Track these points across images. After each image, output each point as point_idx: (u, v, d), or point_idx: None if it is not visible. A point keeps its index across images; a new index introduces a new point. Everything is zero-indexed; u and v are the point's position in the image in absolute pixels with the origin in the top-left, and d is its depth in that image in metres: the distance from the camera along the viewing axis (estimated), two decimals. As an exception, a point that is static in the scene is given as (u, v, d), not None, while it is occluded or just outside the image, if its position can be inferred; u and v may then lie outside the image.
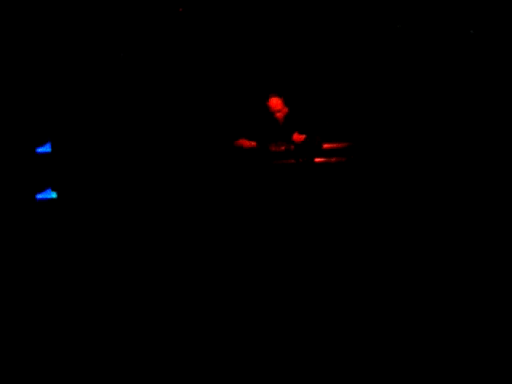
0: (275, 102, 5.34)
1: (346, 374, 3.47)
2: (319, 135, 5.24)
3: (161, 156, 5.45)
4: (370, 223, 4.95)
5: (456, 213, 5.02)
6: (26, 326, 4.12)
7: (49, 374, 3.60)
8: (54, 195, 5.46)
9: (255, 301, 4.29)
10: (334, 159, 5.16)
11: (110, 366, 3.65)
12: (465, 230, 4.88)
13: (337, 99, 5.76)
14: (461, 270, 4.51)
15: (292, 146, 5.21)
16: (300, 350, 3.70)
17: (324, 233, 4.90)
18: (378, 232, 4.90)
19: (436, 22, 5.57)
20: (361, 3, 5.73)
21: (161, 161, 5.42)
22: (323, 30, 5.80)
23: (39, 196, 5.43)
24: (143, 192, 5.34)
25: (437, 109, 5.49)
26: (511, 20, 5.48)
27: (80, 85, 5.61)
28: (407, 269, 4.56)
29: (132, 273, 4.77)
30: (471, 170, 5.25)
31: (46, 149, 5.51)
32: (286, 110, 5.36)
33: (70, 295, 4.59)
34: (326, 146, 5.22)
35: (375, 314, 4.06)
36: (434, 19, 5.58)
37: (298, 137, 5.22)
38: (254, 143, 5.28)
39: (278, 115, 5.33)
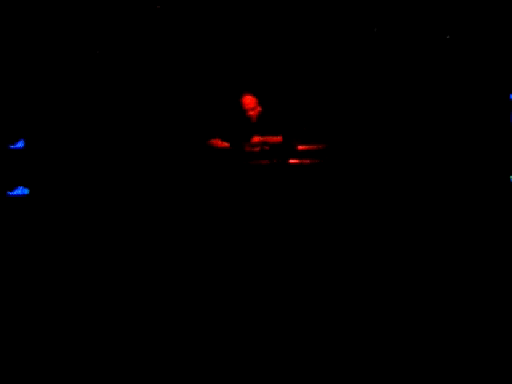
0: (248, 100, 5.34)
1: (345, 374, 3.47)
2: (294, 136, 5.24)
3: (132, 154, 5.43)
4: (344, 224, 4.97)
5: (433, 212, 5.06)
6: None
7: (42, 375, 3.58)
8: (26, 191, 5.42)
9: (237, 303, 4.29)
10: (308, 161, 5.15)
11: (107, 366, 3.63)
12: (441, 228, 4.93)
13: (312, 101, 5.76)
14: (444, 267, 4.55)
15: (266, 147, 5.20)
16: (298, 350, 3.70)
17: (297, 233, 4.91)
18: (352, 233, 4.92)
19: (412, 26, 5.60)
20: (334, 5, 5.73)
21: (132, 159, 5.40)
22: (297, 30, 5.78)
23: (11, 192, 5.39)
24: (116, 189, 5.32)
25: (412, 110, 5.51)
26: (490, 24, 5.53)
27: (53, 80, 5.58)
28: (384, 268, 4.59)
29: (105, 272, 4.76)
30: (448, 169, 5.30)
31: (18, 145, 5.46)
32: (259, 109, 5.35)
33: (42, 294, 4.57)
34: (300, 147, 5.22)
35: (367, 315, 4.08)
36: (409, 23, 5.60)
37: (255, 139, 5.22)
38: (227, 144, 5.27)
39: (251, 113, 5.32)
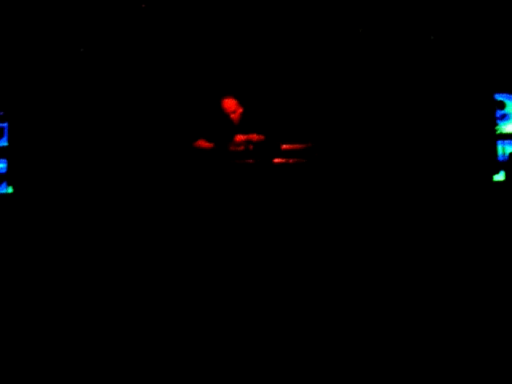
0: (229, 104, 5.29)
1: (345, 374, 3.47)
2: (278, 136, 5.24)
3: (118, 154, 5.42)
4: (328, 224, 4.97)
5: (418, 209, 5.09)
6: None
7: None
8: (9, 190, 5.40)
9: (224, 302, 4.29)
10: (292, 160, 5.15)
11: (106, 366, 3.61)
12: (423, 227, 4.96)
13: (296, 100, 5.75)
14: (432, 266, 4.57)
15: (251, 146, 5.19)
16: (296, 350, 3.69)
17: (283, 232, 4.91)
18: (338, 231, 4.93)
19: (396, 27, 5.61)
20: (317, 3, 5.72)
21: (118, 159, 5.39)
22: (280, 29, 5.76)
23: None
24: (102, 188, 5.31)
25: (396, 108, 5.52)
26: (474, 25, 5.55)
27: (38, 78, 5.55)
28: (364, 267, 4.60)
29: (86, 271, 4.74)
30: (433, 167, 5.32)
31: (1, 142, 5.44)
32: (240, 110, 5.31)
33: (28, 293, 4.55)
34: (284, 146, 5.21)
35: (359, 313, 4.08)
36: (394, 24, 5.61)
37: (239, 137, 5.20)
38: (211, 144, 5.24)
39: (233, 116, 5.28)
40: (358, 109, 5.53)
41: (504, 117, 5.56)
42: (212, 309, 4.26)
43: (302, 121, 5.60)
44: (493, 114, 5.57)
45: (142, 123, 5.63)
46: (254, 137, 5.22)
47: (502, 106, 5.58)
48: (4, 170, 5.42)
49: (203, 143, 5.23)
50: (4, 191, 5.39)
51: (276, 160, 5.16)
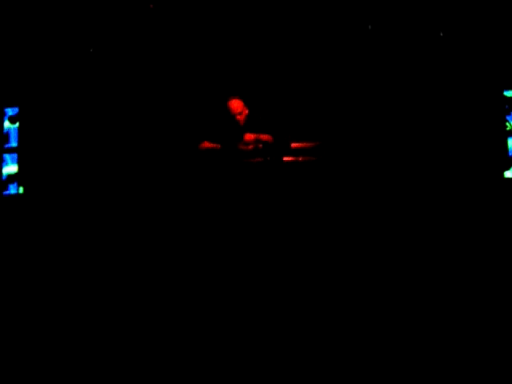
0: (235, 105, 5.24)
1: (345, 374, 3.47)
2: (287, 134, 5.23)
3: (126, 155, 5.43)
4: (339, 222, 4.97)
5: (428, 207, 5.07)
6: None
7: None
8: (20, 190, 5.42)
9: (231, 300, 4.29)
10: (301, 158, 5.15)
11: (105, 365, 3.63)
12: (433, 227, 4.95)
13: (304, 98, 5.74)
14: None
15: (260, 145, 5.19)
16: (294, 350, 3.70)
17: (293, 230, 4.91)
18: (348, 230, 4.93)
19: (405, 24, 5.59)
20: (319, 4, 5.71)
21: (126, 161, 5.40)
22: (287, 28, 5.74)
23: (5, 191, 5.40)
24: (110, 189, 5.32)
25: (405, 106, 5.50)
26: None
27: (49, 79, 5.57)
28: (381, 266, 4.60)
29: (99, 271, 4.76)
30: (442, 165, 5.30)
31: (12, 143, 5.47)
32: (246, 111, 5.26)
33: (36, 293, 4.57)
34: (294, 145, 5.21)
35: (361, 313, 4.08)
36: (402, 20, 5.59)
37: (249, 136, 5.18)
38: (217, 145, 5.22)
39: (239, 118, 5.23)
40: (368, 106, 5.51)
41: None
42: (218, 304, 4.27)
43: (311, 119, 5.59)
44: (503, 110, 5.54)
45: (151, 124, 5.63)
46: (264, 136, 5.22)
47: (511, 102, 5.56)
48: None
49: (208, 144, 5.21)
50: (15, 192, 5.41)
51: (286, 158, 5.16)
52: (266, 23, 5.71)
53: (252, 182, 5.06)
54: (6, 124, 5.53)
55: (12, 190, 5.41)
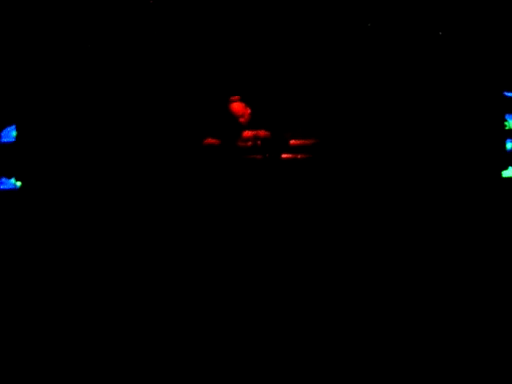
0: (237, 107, 5.25)
1: (345, 374, 3.46)
2: (286, 132, 5.24)
3: (125, 150, 5.41)
4: (337, 219, 4.97)
5: (427, 206, 5.08)
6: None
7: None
8: (17, 185, 5.40)
9: (231, 299, 4.29)
10: (300, 156, 5.15)
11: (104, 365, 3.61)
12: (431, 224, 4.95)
13: (305, 96, 5.73)
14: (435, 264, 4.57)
15: (259, 142, 5.20)
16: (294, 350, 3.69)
17: (291, 228, 4.91)
18: (346, 228, 4.93)
19: (404, 22, 5.59)
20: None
21: (126, 156, 5.38)
22: (284, 24, 5.73)
23: (1, 186, 5.37)
24: (109, 184, 5.31)
25: (404, 104, 5.50)
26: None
27: (45, 74, 5.55)
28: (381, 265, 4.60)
29: (97, 269, 4.75)
30: (440, 164, 5.30)
31: (9, 138, 5.45)
32: (248, 111, 5.28)
33: (32, 291, 4.55)
34: (292, 142, 5.22)
35: (361, 311, 4.08)
36: (402, 18, 5.60)
37: (247, 133, 5.20)
38: (217, 141, 5.23)
39: (241, 120, 5.25)
40: (366, 104, 5.51)
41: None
42: (216, 299, 4.26)
43: (309, 116, 5.59)
44: (502, 109, 5.55)
45: (148, 121, 5.62)
46: (262, 132, 5.22)
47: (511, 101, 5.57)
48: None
49: (209, 140, 5.22)
50: (12, 186, 5.38)
51: (284, 155, 5.16)
52: (266, 21, 5.71)
53: (250, 179, 5.06)
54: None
55: (8, 184, 5.39)
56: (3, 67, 5.54)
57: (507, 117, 5.50)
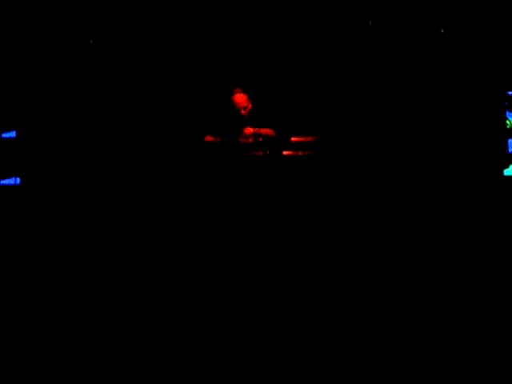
0: (240, 99, 5.26)
1: (345, 374, 3.44)
2: (287, 129, 5.23)
3: (126, 147, 5.41)
4: (336, 215, 4.96)
5: (428, 203, 5.07)
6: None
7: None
8: (17, 181, 5.39)
9: (232, 296, 4.27)
10: (301, 152, 5.14)
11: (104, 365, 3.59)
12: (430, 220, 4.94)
13: (304, 93, 5.74)
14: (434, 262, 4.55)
15: (260, 139, 5.20)
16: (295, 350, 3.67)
17: (290, 223, 4.90)
18: (344, 224, 4.91)
19: (405, 20, 5.59)
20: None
21: (126, 152, 5.38)
22: (286, 22, 5.74)
23: (2, 182, 5.37)
24: (110, 181, 5.30)
25: (405, 102, 5.50)
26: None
27: (46, 71, 5.55)
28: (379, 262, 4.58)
29: (97, 265, 4.73)
30: (441, 161, 5.29)
31: (10, 134, 5.45)
32: (250, 106, 5.28)
33: (32, 286, 4.53)
34: (293, 139, 5.21)
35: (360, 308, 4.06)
36: (403, 16, 5.60)
37: (248, 130, 5.21)
38: (218, 138, 5.24)
39: (243, 112, 5.27)
40: (368, 102, 5.51)
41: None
42: (217, 295, 4.24)
43: (311, 113, 5.59)
44: (503, 108, 5.54)
45: (150, 118, 5.62)
46: (264, 129, 5.23)
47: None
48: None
49: (210, 138, 5.23)
50: (12, 183, 5.38)
51: (285, 152, 5.15)
52: (269, 19, 5.72)
53: (251, 176, 5.05)
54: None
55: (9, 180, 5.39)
56: (5, 66, 5.55)
57: (509, 116, 5.50)
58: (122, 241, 4.89)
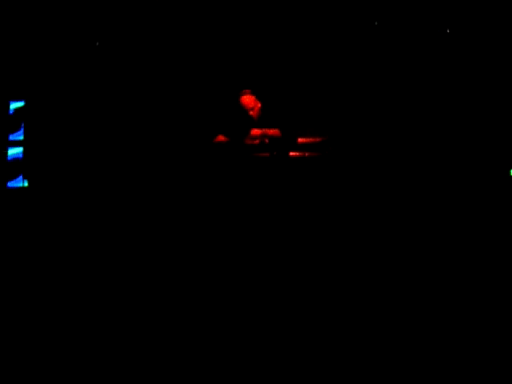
0: (247, 100, 5.29)
1: (345, 374, 3.45)
2: (294, 130, 5.24)
3: (133, 148, 5.42)
4: (344, 217, 4.96)
5: (434, 204, 5.07)
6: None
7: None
8: (25, 183, 5.40)
9: (236, 296, 4.28)
10: (308, 153, 5.15)
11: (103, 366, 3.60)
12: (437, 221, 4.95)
13: (312, 93, 5.74)
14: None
15: (266, 140, 5.20)
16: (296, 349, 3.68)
17: (296, 224, 4.91)
18: (353, 225, 4.92)
19: (411, 20, 5.59)
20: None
21: (134, 154, 5.39)
22: (293, 23, 5.74)
23: (10, 184, 5.38)
24: (117, 182, 5.31)
25: (412, 102, 5.50)
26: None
27: (52, 72, 5.56)
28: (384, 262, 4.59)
29: (103, 265, 4.75)
30: (448, 162, 5.30)
31: (18, 136, 5.45)
32: (259, 105, 5.32)
33: (38, 287, 4.55)
34: (300, 140, 5.22)
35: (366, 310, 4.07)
36: (409, 16, 5.60)
37: (255, 131, 5.22)
38: (226, 139, 5.25)
39: (252, 113, 5.28)
40: (375, 102, 5.51)
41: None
42: (221, 292, 4.26)
43: (317, 114, 5.59)
44: (510, 108, 5.54)
45: (158, 119, 5.63)
46: (270, 130, 5.23)
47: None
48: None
49: (222, 138, 5.25)
50: (20, 185, 5.39)
51: (292, 153, 5.16)
52: (277, 20, 5.72)
53: (258, 177, 5.06)
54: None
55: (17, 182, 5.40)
56: (11, 67, 5.56)
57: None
58: (131, 241, 4.90)
